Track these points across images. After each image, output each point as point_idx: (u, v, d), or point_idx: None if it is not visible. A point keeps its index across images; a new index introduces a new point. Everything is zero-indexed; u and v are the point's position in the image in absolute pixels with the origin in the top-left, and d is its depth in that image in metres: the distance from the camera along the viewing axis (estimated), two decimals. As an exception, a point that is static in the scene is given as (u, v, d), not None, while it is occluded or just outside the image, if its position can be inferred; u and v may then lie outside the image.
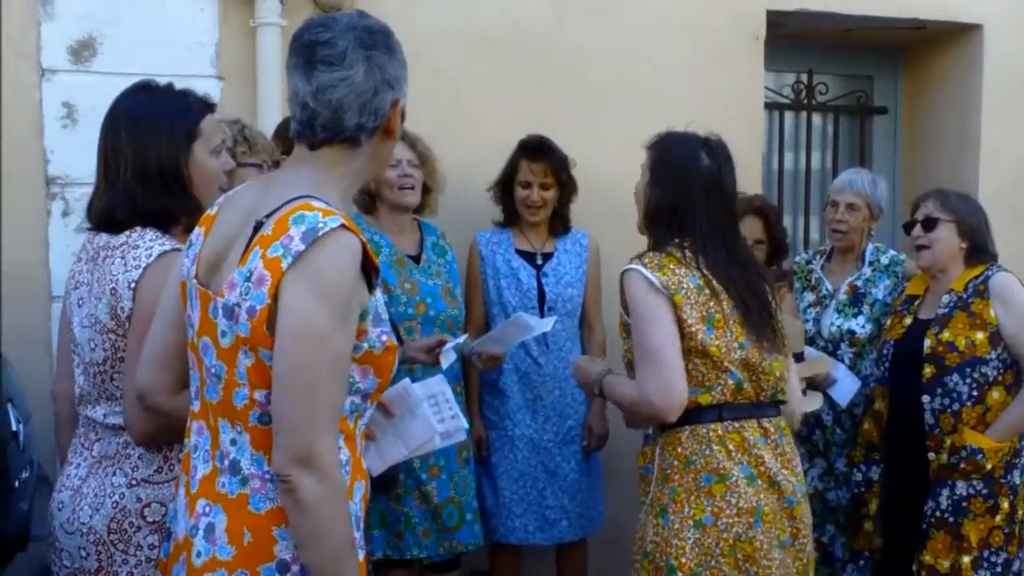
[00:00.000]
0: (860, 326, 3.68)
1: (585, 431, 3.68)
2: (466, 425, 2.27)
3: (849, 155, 5.13)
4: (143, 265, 2.08)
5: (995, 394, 3.22)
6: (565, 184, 3.68)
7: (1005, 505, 3.22)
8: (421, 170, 3.45)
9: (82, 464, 2.20)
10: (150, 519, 2.11)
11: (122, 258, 2.12)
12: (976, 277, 3.31)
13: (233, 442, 1.69)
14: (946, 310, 3.32)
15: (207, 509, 1.70)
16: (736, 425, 2.43)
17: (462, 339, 3.05)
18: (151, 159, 2.16)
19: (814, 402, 3.41)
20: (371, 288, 1.69)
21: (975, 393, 3.22)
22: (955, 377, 3.23)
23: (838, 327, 3.71)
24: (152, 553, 2.10)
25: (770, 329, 2.49)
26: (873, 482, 3.51)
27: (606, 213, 3.98)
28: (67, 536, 2.15)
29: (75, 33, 3.52)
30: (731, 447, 2.41)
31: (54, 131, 3.52)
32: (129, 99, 2.26)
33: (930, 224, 3.36)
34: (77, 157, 3.50)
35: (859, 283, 3.76)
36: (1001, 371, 3.23)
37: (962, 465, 3.21)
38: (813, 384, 3.45)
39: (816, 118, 5.11)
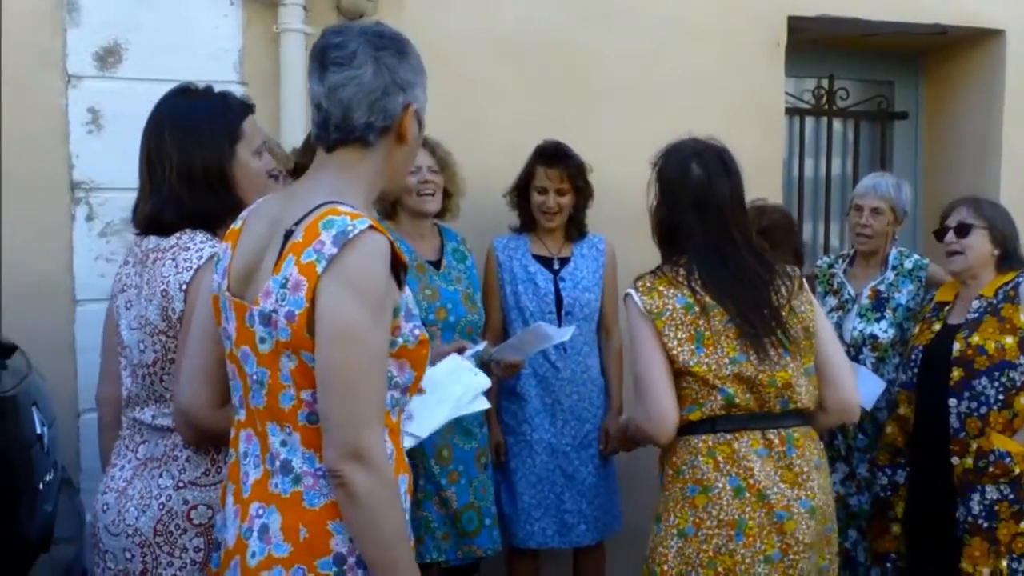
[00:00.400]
0: (883, 330, 3.67)
1: (602, 434, 3.68)
2: (487, 384, 2.42)
3: (870, 161, 5.12)
4: (194, 267, 2.11)
5: (1023, 399, 3.22)
6: (581, 190, 3.69)
7: None
8: (441, 175, 3.46)
9: (126, 466, 2.20)
10: (196, 521, 2.12)
11: (173, 260, 2.14)
12: (1007, 283, 3.32)
13: (283, 443, 1.74)
14: (976, 315, 3.32)
15: (260, 511, 1.74)
16: (728, 437, 2.42)
17: (482, 346, 3.06)
18: (196, 161, 2.18)
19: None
20: (400, 285, 1.75)
21: (1002, 397, 3.21)
22: (983, 380, 3.23)
23: (860, 331, 3.70)
24: (197, 556, 2.11)
25: (777, 336, 2.45)
26: (899, 486, 3.50)
27: (624, 218, 3.97)
28: (112, 538, 2.16)
29: (100, 40, 3.55)
30: (720, 459, 2.41)
31: (79, 136, 3.55)
32: (171, 102, 2.28)
33: (963, 230, 3.37)
34: (102, 162, 3.54)
35: (882, 287, 3.75)
36: None
37: (990, 469, 3.19)
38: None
39: (837, 123, 5.10)
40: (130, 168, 3.43)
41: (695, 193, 2.50)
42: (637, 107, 4.14)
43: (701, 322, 2.42)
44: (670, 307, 2.43)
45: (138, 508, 2.13)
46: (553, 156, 3.65)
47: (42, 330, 3.43)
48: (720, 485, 2.39)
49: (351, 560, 1.70)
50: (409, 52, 1.83)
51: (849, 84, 5.05)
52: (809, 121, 5.04)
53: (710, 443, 2.42)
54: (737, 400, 2.41)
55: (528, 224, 3.76)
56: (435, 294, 3.41)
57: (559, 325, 3.56)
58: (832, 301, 3.85)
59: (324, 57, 1.78)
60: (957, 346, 3.29)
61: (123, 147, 3.50)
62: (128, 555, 2.13)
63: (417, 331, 1.78)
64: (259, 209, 1.89)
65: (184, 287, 2.09)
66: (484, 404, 2.47)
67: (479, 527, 3.43)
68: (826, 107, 5.02)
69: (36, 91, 3.52)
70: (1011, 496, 3.20)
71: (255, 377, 1.75)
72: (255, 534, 1.73)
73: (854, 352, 3.70)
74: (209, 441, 2.09)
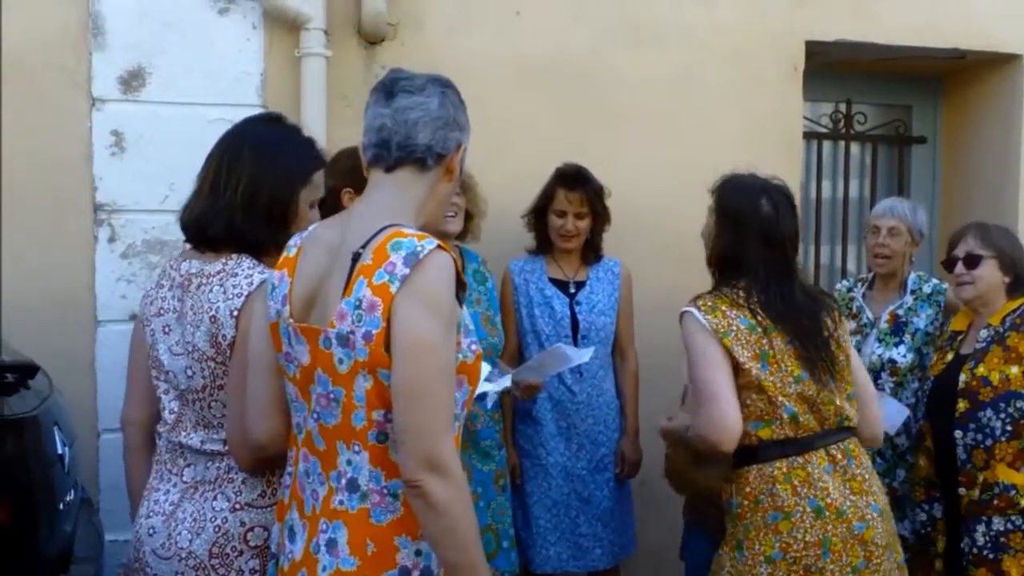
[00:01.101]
0: (901, 355, 3.65)
1: (618, 458, 3.68)
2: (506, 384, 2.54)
3: (887, 184, 5.11)
4: (245, 293, 2.10)
5: None
6: (599, 214, 3.70)
7: None
8: (463, 197, 3.48)
9: (172, 490, 2.19)
10: (252, 543, 2.11)
11: (220, 286, 2.13)
12: (1014, 311, 3.29)
13: (349, 462, 1.81)
14: (983, 344, 3.30)
15: (325, 527, 1.82)
16: (800, 460, 2.52)
17: (507, 382, 3.04)
18: (264, 190, 2.18)
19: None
20: (460, 303, 1.84)
21: (1009, 428, 3.16)
22: (988, 412, 3.19)
23: (879, 356, 3.69)
24: None
25: (827, 362, 2.57)
26: (936, 520, 3.44)
27: (644, 241, 4.01)
28: (162, 562, 2.14)
29: (125, 63, 3.60)
30: (796, 483, 2.51)
31: (103, 159, 3.59)
32: (259, 125, 2.30)
33: (972, 261, 3.34)
34: (124, 184, 3.58)
35: (901, 312, 3.73)
36: None
37: (995, 502, 3.15)
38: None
39: (855, 147, 5.10)
40: (152, 190, 3.54)
41: (764, 228, 2.61)
42: (656, 131, 4.16)
43: (764, 342, 2.53)
44: (735, 327, 2.52)
45: (191, 531, 2.12)
46: (574, 179, 3.66)
47: (64, 350, 3.47)
48: (801, 509, 2.49)
49: (415, 573, 1.79)
50: (464, 105, 1.97)
51: (867, 108, 5.05)
52: (827, 145, 5.04)
53: (784, 469, 2.52)
54: (801, 419, 2.52)
55: (544, 246, 3.77)
56: (455, 316, 3.41)
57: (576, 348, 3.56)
58: (851, 325, 3.84)
59: (393, 86, 1.89)
60: (963, 377, 3.26)
61: (146, 170, 3.58)
62: None
63: (474, 346, 1.87)
64: (314, 236, 1.95)
65: (235, 313, 2.09)
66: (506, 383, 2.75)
67: (497, 549, 3.42)
68: (844, 131, 5.02)
69: (61, 113, 3.57)
70: (1023, 526, 3.14)
71: (331, 395, 1.81)
72: (323, 548, 1.80)
73: (872, 377, 3.68)
74: (266, 465, 2.10)
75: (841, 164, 5.06)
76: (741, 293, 2.57)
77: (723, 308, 2.55)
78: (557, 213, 3.68)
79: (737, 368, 2.51)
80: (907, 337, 3.68)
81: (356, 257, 1.79)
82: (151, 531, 2.18)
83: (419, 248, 1.75)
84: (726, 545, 2.61)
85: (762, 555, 2.51)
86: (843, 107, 5.01)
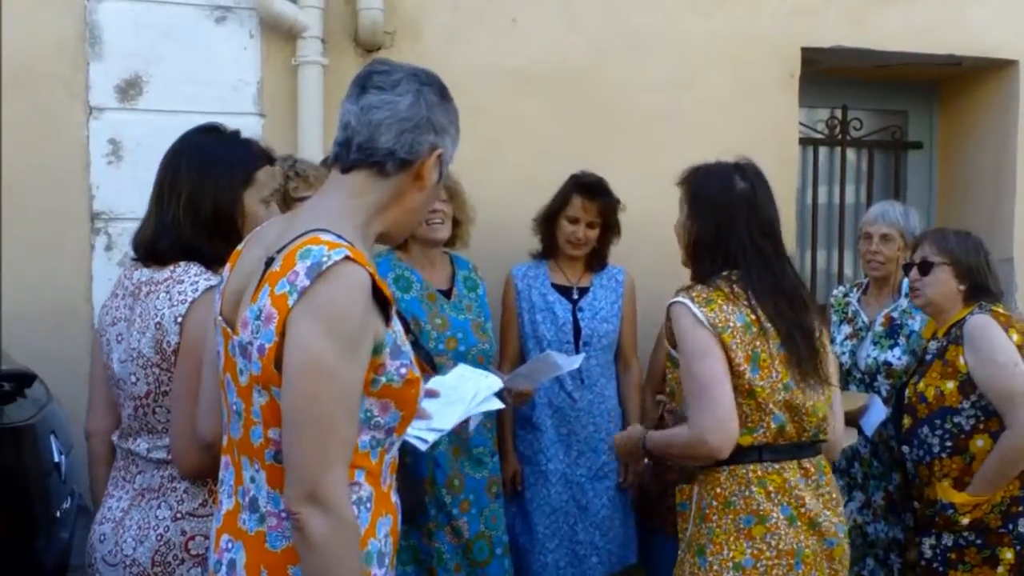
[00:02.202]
0: (896, 358, 3.65)
1: (620, 467, 3.67)
2: (499, 382, 2.43)
3: (883, 190, 5.12)
4: (189, 300, 2.10)
5: (979, 442, 3.08)
6: (611, 227, 3.71)
7: (1008, 555, 3.06)
8: (450, 204, 3.44)
9: (123, 497, 2.20)
10: (194, 552, 2.12)
11: (167, 292, 2.14)
12: (958, 322, 3.17)
13: (252, 479, 1.71)
14: (929, 357, 3.24)
15: (229, 545, 1.72)
16: (776, 466, 2.39)
17: (491, 405, 2.98)
18: (207, 200, 2.19)
19: (849, 437, 3.39)
20: (387, 320, 1.68)
21: (949, 444, 3.10)
22: (925, 429, 3.14)
23: (874, 359, 3.69)
24: None
25: (816, 364, 2.44)
26: (910, 528, 3.45)
27: (644, 248, 4.00)
28: (109, 568, 2.16)
29: (122, 72, 3.61)
30: (771, 488, 2.38)
31: (100, 167, 3.60)
32: (195, 138, 2.29)
33: (925, 267, 3.23)
34: (121, 193, 3.59)
35: (895, 314, 3.74)
36: (981, 419, 3.07)
37: (936, 519, 3.12)
38: (849, 419, 3.44)
39: (851, 153, 5.11)
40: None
41: (744, 204, 2.46)
42: (653, 138, 4.16)
43: (758, 343, 2.38)
44: (731, 324, 2.36)
45: (135, 539, 2.13)
46: (594, 190, 3.65)
47: (61, 358, 3.47)
48: (775, 515, 2.36)
49: None
50: (450, 100, 1.79)
51: (863, 114, 5.06)
52: (823, 151, 5.05)
53: (759, 472, 2.38)
54: (786, 428, 2.39)
55: (550, 251, 3.77)
56: (445, 323, 3.40)
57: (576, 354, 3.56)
58: (847, 329, 3.85)
59: (367, 80, 1.74)
60: (908, 392, 3.23)
61: (142, 178, 3.52)
62: None
63: (404, 370, 1.70)
64: (260, 232, 1.85)
65: (179, 320, 2.09)
66: (498, 404, 2.51)
67: (490, 557, 3.41)
68: (840, 137, 5.03)
69: (58, 122, 3.58)
70: (978, 542, 3.08)
71: (234, 407, 1.72)
72: (224, 568, 1.71)
73: (868, 379, 3.70)
74: (210, 473, 2.06)
75: (837, 170, 5.07)
76: (736, 287, 2.41)
77: (719, 302, 2.38)
78: (570, 219, 3.67)
79: (731, 368, 2.34)
80: (902, 339, 3.68)
81: (269, 262, 1.66)
82: (102, 538, 2.19)
83: (325, 259, 1.58)
84: (688, 550, 2.45)
85: (731, 561, 2.36)
86: (839, 113, 5.02)
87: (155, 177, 2.28)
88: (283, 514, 1.65)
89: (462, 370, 2.61)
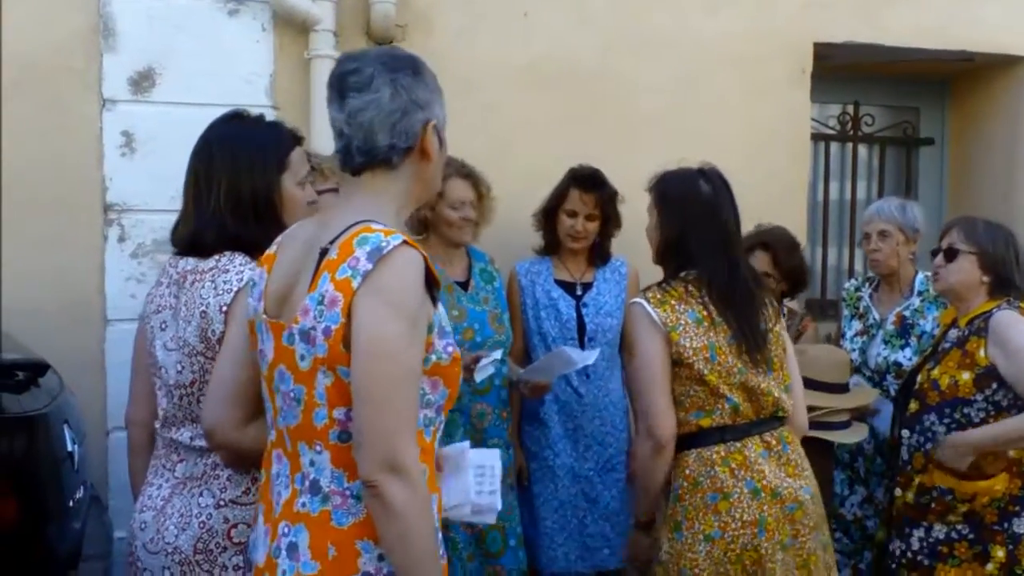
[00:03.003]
0: (907, 358, 3.64)
1: (629, 458, 3.68)
2: (499, 507, 2.21)
3: (895, 186, 5.12)
4: (234, 289, 2.10)
5: None
6: (611, 218, 3.70)
7: (1000, 554, 3.03)
8: (477, 209, 3.49)
9: (164, 485, 2.21)
10: (236, 540, 2.11)
11: (212, 282, 2.14)
12: (983, 314, 3.12)
13: (312, 463, 1.76)
14: (948, 345, 3.20)
15: (287, 530, 1.77)
16: (738, 445, 2.62)
17: (498, 353, 3.05)
18: (245, 187, 2.19)
19: (859, 433, 3.38)
20: (434, 302, 1.77)
21: None
22: (932, 416, 3.10)
23: (884, 358, 3.68)
24: (237, 574, 2.11)
25: (766, 353, 2.65)
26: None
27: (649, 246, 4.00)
28: (150, 556, 2.16)
29: (135, 64, 3.63)
30: (734, 466, 2.60)
31: (113, 159, 3.62)
32: (223, 127, 2.28)
33: (950, 254, 3.20)
34: (134, 185, 3.61)
35: (907, 313, 3.73)
36: (992, 412, 3.03)
37: (933, 505, 3.08)
38: (858, 415, 3.43)
39: (862, 149, 5.10)
40: (162, 190, 3.56)
41: (705, 209, 2.65)
42: (664, 134, 4.16)
43: (711, 335, 2.60)
44: (683, 321, 2.58)
45: (178, 526, 2.13)
46: (590, 182, 3.66)
47: (74, 349, 3.49)
48: (739, 490, 2.59)
49: None
50: (423, 71, 1.85)
51: (874, 110, 5.06)
52: (834, 147, 5.05)
53: (723, 452, 2.61)
54: (741, 408, 2.61)
55: (552, 246, 3.78)
56: (462, 315, 3.43)
57: (581, 350, 3.57)
58: (857, 325, 3.84)
59: (342, 84, 1.80)
60: (919, 378, 3.20)
61: (155, 170, 3.60)
62: (168, 573, 2.13)
63: (451, 348, 1.80)
64: (293, 233, 1.92)
65: (224, 309, 2.10)
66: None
67: (503, 547, 3.43)
68: (851, 133, 5.03)
69: (71, 114, 3.59)
70: (971, 536, 3.05)
71: (292, 394, 1.77)
72: (284, 553, 1.76)
73: (878, 379, 3.69)
74: (240, 460, 2.10)
75: (849, 166, 5.07)
76: (691, 287, 2.62)
77: (672, 302, 2.60)
78: (568, 213, 3.68)
79: (681, 362, 2.57)
80: (913, 339, 3.67)
81: (323, 253, 1.75)
82: (143, 526, 2.20)
83: (384, 243, 1.69)
84: (664, 527, 2.66)
85: (701, 533, 2.58)
86: (851, 109, 5.01)
87: (187, 171, 2.27)
88: (348, 492, 1.73)
89: (488, 460, 2.51)
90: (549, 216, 3.74)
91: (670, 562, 2.62)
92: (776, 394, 2.66)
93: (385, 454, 1.65)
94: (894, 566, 3.17)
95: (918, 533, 3.12)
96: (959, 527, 3.06)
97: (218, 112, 2.37)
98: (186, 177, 2.27)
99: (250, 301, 1.92)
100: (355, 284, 1.68)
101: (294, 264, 1.83)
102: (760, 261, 3.64)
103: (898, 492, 3.19)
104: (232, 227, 2.18)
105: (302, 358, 1.74)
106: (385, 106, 1.78)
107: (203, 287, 2.15)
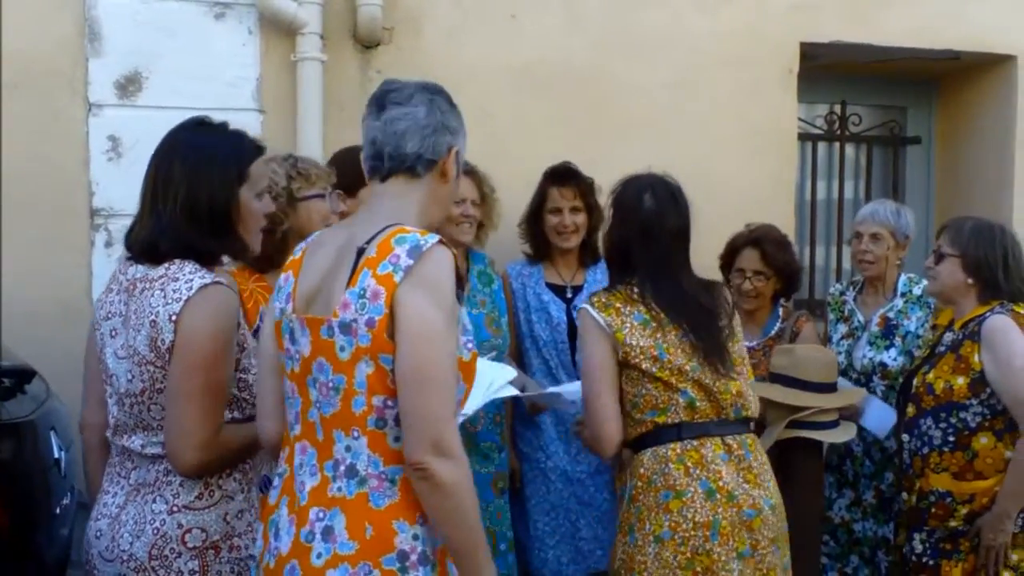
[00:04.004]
0: (892, 359, 3.65)
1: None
2: (512, 371, 2.54)
3: (882, 185, 5.13)
4: (183, 298, 2.08)
5: (983, 439, 3.04)
6: (593, 208, 3.70)
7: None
8: (480, 209, 3.51)
9: (119, 492, 2.20)
10: (191, 545, 2.11)
11: (162, 291, 2.11)
12: (976, 318, 3.11)
13: (348, 448, 1.86)
14: (943, 348, 3.20)
15: (321, 515, 1.86)
16: (695, 443, 2.57)
17: (513, 391, 2.95)
18: (203, 196, 2.16)
19: (847, 432, 3.39)
20: (460, 300, 1.88)
21: (951, 439, 3.07)
22: (928, 420, 3.11)
23: (870, 359, 3.69)
24: None
25: (722, 353, 2.63)
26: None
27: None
28: (106, 563, 2.15)
29: (121, 68, 3.62)
30: (689, 464, 2.54)
31: (99, 164, 3.61)
32: (186, 133, 2.25)
33: (938, 258, 3.22)
34: (121, 189, 3.59)
35: (891, 315, 3.73)
36: (988, 416, 3.03)
37: (933, 510, 3.10)
38: (847, 414, 3.44)
39: (849, 148, 5.11)
40: (149, 195, 3.54)
41: (645, 220, 2.68)
42: (653, 135, 4.17)
43: (659, 335, 2.59)
44: (628, 323, 2.59)
45: (132, 534, 2.12)
46: (564, 175, 3.67)
47: (60, 354, 3.46)
48: (692, 489, 2.52)
49: (413, 557, 1.83)
50: (455, 107, 2.02)
51: (861, 109, 5.07)
52: (822, 146, 5.06)
53: (678, 450, 2.56)
54: (698, 404, 2.58)
55: (542, 251, 3.77)
56: (458, 317, 3.43)
57: (572, 354, 3.59)
58: (843, 328, 3.85)
59: (384, 98, 1.96)
60: (916, 381, 3.20)
61: (142, 174, 3.54)
62: None
63: (470, 345, 1.92)
64: (321, 239, 2.02)
65: (174, 318, 2.07)
66: (513, 390, 2.71)
67: (493, 552, 3.41)
68: (838, 132, 5.04)
69: (58, 119, 3.59)
70: (965, 529, 3.07)
71: (331, 384, 1.86)
72: (318, 536, 1.84)
73: (864, 380, 3.69)
74: (206, 471, 2.13)
75: (836, 165, 5.07)
76: (635, 290, 2.64)
77: (617, 305, 2.61)
78: (552, 211, 3.68)
79: (629, 362, 2.57)
80: (897, 340, 3.68)
81: (361, 251, 1.85)
82: (98, 534, 2.19)
83: (423, 242, 1.82)
84: (620, 531, 2.63)
85: (651, 535, 2.52)
86: (838, 108, 5.02)
87: (146, 174, 2.24)
88: (384, 475, 1.84)
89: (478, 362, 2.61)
90: (535, 220, 3.74)
91: (622, 568, 2.58)
92: (735, 391, 2.62)
93: (432, 436, 1.76)
94: (907, 570, 3.18)
95: (920, 536, 3.14)
96: (953, 524, 3.08)
97: (217, 120, 2.34)
98: (144, 181, 2.23)
99: (275, 304, 2.00)
100: (397, 278, 1.79)
101: (325, 264, 1.92)
102: (750, 259, 3.65)
103: (904, 496, 3.22)
104: (187, 236, 2.16)
105: (342, 349, 1.83)
106: (420, 119, 1.94)
107: (152, 296, 2.12)
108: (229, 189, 2.19)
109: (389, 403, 1.83)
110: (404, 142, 1.94)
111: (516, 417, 3.69)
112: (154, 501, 2.14)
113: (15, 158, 3.49)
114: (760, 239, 3.67)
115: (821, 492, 3.60)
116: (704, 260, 4.11)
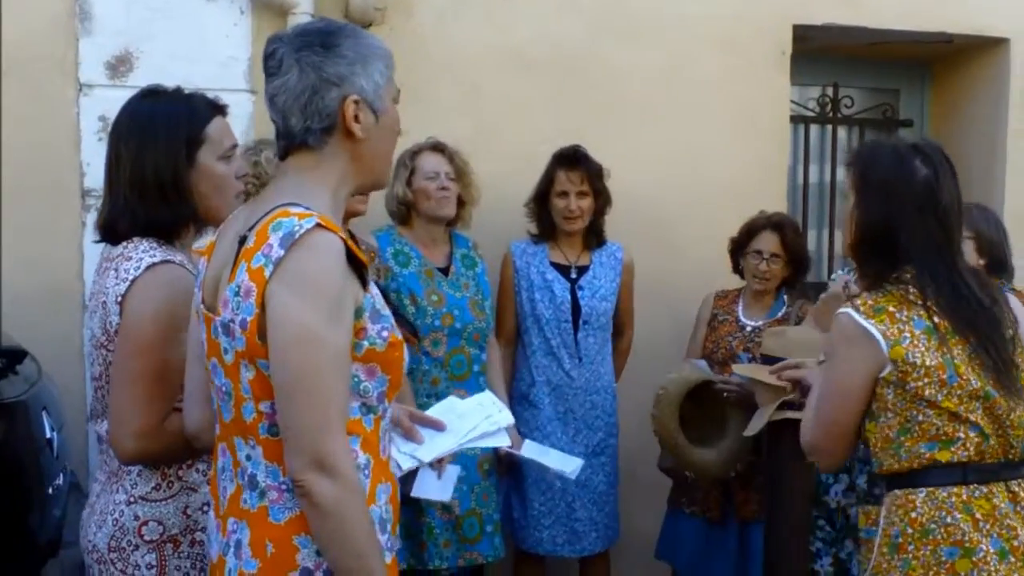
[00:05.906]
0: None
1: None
2: (511, 420, 2.28)
3: (875, 168, 5.12)
4: (130, 278, 1.99)
5: None
6: (600, 193, 3.71)
7: None
8: (458, 183, 3.50)
9: (100, 480, 2.15)
10: (147, 538, 2.04)
11: (115, 271, 2.03)
12: None
13: (248, 457, 1.70)
14: None
15: (235, 526, 1.72)
16: (984, 490, 2.11)
17: (499, 443, 2.46)
18: (147, 169, 2.06)
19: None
20: (364, 284, 1.68)
21: None
22: None
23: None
24: (150, 573, 2.03)
25: (1012, 373, 2.15)
26: None
27: (638, 227, 4.02)
28: (85, 554, 2.12)
29: (112, 48, 3.59)
30: (978, 516, 2.09)
31: (90, 144, 3.59)
32: (132, 106, 2.15)
33: None
34: (112, 170, 3.58)
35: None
36: None
37: None
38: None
39: (841, 131, 5.11)
40: (140, 176, 3.53)
41: (921, 193, 2.16)
42: (646, 117, 4.17)
43: (945, 350, 2.10)
44: (908, 332, 2.10)
45: (97, 524, 2.07)
46: (573, 159, 3.67)
47: (53, 336, 3.47)
48: (984, 548, 2.07)
49: (318, 574, 1.66)
50: (340, 43, 1.71)
51: (854, 92, 5.06)
52: (814, 129, 5.05)
53: (964, 497, 2.10)
54: (990, 441, 2.11)
55: (547, 232, 3.77)
56: (441, 300, 3.43)
57: (575, 333, 3.63)
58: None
59: (265, 68, 1.75)
60: None
61: (133, 155, 3.56)
62: (91, 572, 2.07)
63: (385, 333, 1.70)
64: (231, 220, 1.85)
65: (119, 299, 1.99)
66: (499, 442, 2.30)
67: (480, 534, 3.44)
68: (831, 115, 5.03)
69: (48, 99, 3.56)
70: None
71: (223, 389, 1.71)
72: (232, 550, 1.71)
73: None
74: (148, 459, 2.03)
75: (828, 148, 5.07)
76: (911, 288, 2.13)
77: (891, 309, 2.12)
78: (559, 195, 3.68)
79: (902, 384, 2.10)
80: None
81: (242, 240, 1.67)
82: (82, 523, 2.15)
83: (296, 228, 1.59)
84: None
85: None
86: (830, 91, 5.02)
87: (106, 154, 2.17)
88: (283, 486, 1.66)
89: (480, 399, 2.37)
90: (541, 202, 3.74)
91: None
92: None
93: (311, 451, 1.58)
94: None
95: None
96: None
97: (170, 86, 2.28)
98: (105, 161, 2.16)
99: (196, 291, 1.84)
100: (267, 273, 1.59)
101: (225, 252, 1.75)
102: (769, 242, 3.69)
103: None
104: (141, 213, 2.05)
105: (225, 351, 1.68)
106: (293, 88, 1.68)
107: (108, 276, 2.04)
108: (175, 155, 2.07)
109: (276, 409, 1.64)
110: (288, 118, 1.70)
111: (514, 397, 3.70)
112: (116, 491, 2.07)
113: (6, 139, 3.46)
114: (781, 224, 3.73)
115: (812, 475, 3.62)
116: (696, 244, 4.15)
